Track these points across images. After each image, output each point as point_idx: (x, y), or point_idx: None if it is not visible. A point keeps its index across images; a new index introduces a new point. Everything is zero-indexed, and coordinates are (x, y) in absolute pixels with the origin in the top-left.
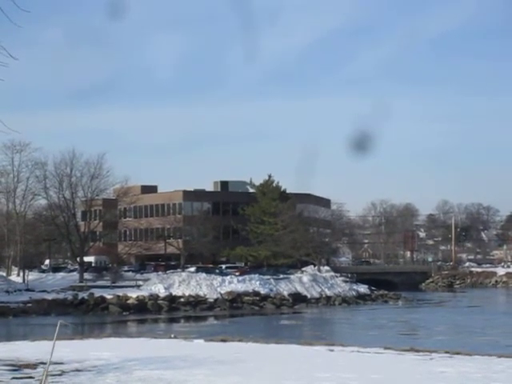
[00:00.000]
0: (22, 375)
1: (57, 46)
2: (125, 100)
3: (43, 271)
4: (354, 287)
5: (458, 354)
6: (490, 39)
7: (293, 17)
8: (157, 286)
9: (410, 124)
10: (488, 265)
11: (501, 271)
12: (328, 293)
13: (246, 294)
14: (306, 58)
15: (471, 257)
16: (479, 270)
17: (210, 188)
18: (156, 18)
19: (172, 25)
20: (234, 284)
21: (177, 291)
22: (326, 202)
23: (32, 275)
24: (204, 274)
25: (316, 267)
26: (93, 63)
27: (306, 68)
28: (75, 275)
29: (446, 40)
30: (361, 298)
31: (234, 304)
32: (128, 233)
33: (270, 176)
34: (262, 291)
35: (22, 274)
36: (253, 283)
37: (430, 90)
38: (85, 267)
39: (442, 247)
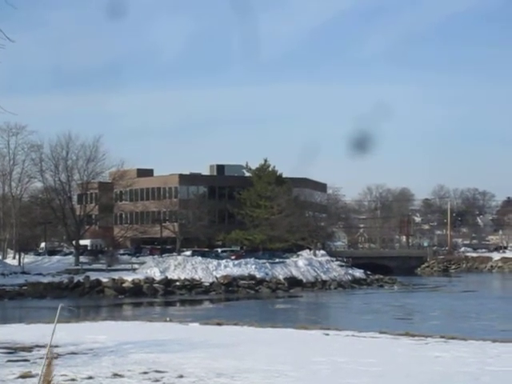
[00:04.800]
0: (18, 358)
1: (59, 29)
2: (122, 83)
3: (39, 254)
4: (350, 271)
5: (453, 338)
6: (493, 24)
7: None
8: (152, 269)
9: (407, 109)
10: (483, 250)
11: (496, 256)
12: (323, 277)
13: (242, 277)
14: (310, 41)
15: (467, 242)
16: (474, 254)
17: (206, 172)
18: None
19: (178, 6)
20: (229, 268)
21: (172, 275)
22: (322, 187)
23: (28, 258)
24: (200, 258)
25: (312, 251)
26: (93, 46)
27: (310, 52)
28: (71, 258)
29: (452, 25)
30: (356, 282)
31: (230, 288)
32: (124, 216)
33: (266, 160)
34: (258, 275)
35: (17, 256)
36: (248, 267)
37: (428, 75)
38: (80, 250)
39: (438, 232)
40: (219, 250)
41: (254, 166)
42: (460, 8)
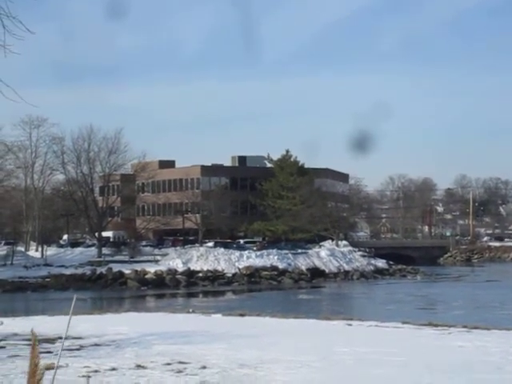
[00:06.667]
0: (41, 350)
1: (79, 20)
2: (143, 76)
3: (61, 246)
4: (372, 262)
5: (476, 328)
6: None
7: None
8: (175, 260)
9: (428, 98)
10: (506, 239)
11: None
12: (346, 267)
13: (264, 268)
14: (331, 35)
15: (489, 231)
16: (497, 244)
17: (227, 163)
18: None
19: (196, 1)
20: (252, 259)
21: (195, 266)
22: (343, 177)
23: (50, 250)
24: (222, 249)
25: (334, 242)
26: (112, 39)
27: (330, 46)
28: (93, 250)
29: (468, 17)
30: (379, 272)
31: (252, 279)
32: (146, 208)
33: (287, 151)
34: (280, 266)
35: (40, 249)
36: (271, 258)
37: (447, 64)
38: (103, 242)
39: (460, 222)
40: (241, 240)
41: (275, 156)
42: (466, 4)
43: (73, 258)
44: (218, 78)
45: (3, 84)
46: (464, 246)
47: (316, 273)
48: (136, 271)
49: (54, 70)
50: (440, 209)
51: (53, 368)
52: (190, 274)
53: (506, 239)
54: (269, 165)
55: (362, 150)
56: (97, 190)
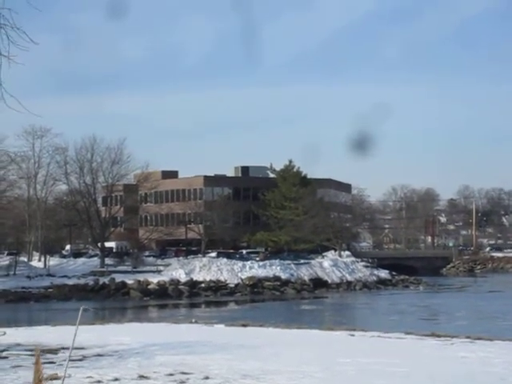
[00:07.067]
0: (44, 360)
1: (82, 30)
2: (146, 84)
3: (64, 256)
4: (375, 272)
5: (479, 339)
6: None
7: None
8: (178, 271)
9: (432, 106)
10: (509, 250)
11: None
12: (349, 278)
13: (267, 279)
14: (333, 42)
15: (492, 242)
16: (500, 254)
17: (230, 173)
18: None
19: (199, 8)
20: (254, 269)
21: (198, 276)
22: (346, 187)
23: (53, 260)
24: (225, 259)
25: (337, 252)
26: (113, 49)
27: (332, 54)
28: (96, 260)
29: (472, 25)
30: (381, 282)
31: (255, 289)
32: (149, 218)
33: (290, 161)
34: (283, 276)
35: (43, 259)
36: (273, 268)
37: (451, 72)
38: (106, 252)
39: (463, 232)
40: (244, 251)
41: (278, 167)
42: (470, 12)
43: (75, 268)
44: (219, 85)
45: (7, 94)
46: (467, 257)
47: (319, 283)
48: (139, 281)
49: (58, 79)
50: (443, 219)
51: (56, 378)
52: (193, 284)
53: (505, 250)
54: (271, 175)
55: (363, 154)
56: (100, 200)
